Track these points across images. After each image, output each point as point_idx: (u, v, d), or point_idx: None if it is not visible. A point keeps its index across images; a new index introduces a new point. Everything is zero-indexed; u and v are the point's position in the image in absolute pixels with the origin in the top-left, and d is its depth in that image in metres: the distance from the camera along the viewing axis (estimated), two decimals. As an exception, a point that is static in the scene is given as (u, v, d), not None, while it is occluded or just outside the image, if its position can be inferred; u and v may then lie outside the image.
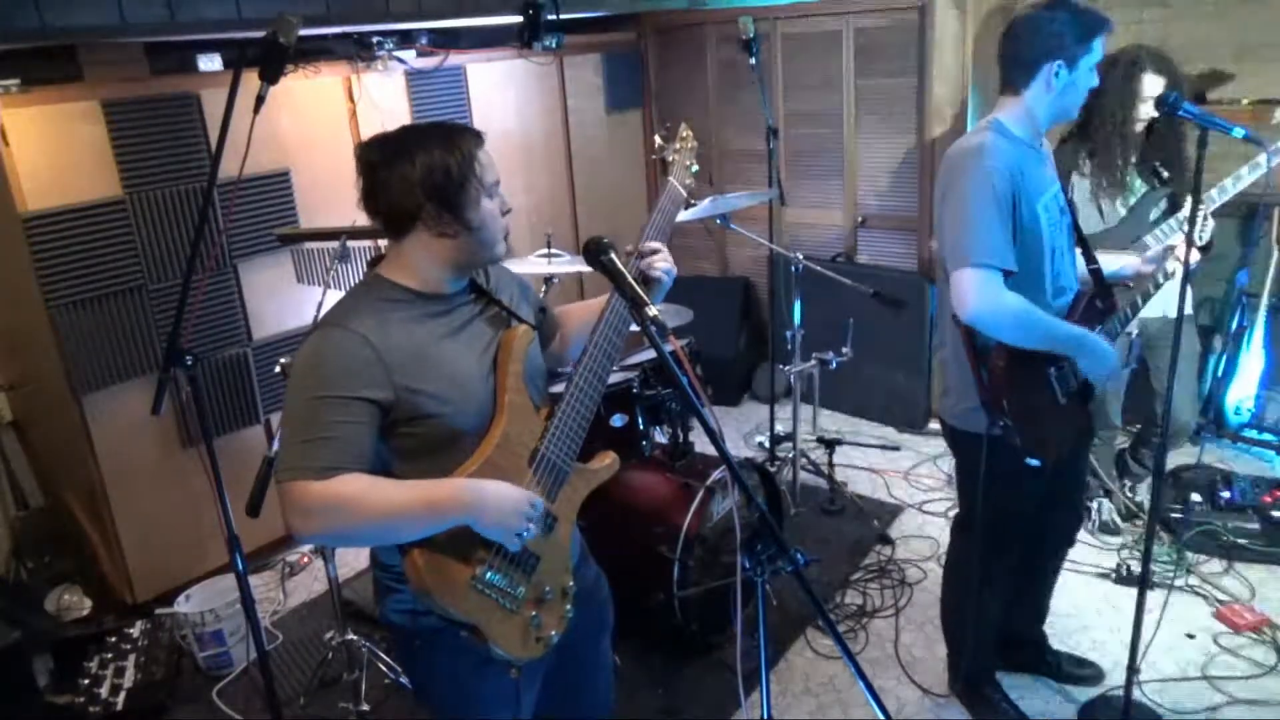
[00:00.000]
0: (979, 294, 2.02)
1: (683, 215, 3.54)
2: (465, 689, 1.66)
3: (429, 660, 1.66)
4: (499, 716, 1.68)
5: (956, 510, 2.62)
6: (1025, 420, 2.16)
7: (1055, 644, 2.84)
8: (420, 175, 1.49)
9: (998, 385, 2.14)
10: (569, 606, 1.68)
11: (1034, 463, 2.18)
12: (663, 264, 1.70)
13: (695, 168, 1.86)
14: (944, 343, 2.35)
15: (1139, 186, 3.02)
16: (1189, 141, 2.91)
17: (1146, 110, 2.87)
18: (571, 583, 1.69)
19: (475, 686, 1.65)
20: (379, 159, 1.52)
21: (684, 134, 1.87)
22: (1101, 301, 2.29)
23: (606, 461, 1.75)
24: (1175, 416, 3.21)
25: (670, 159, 1.83)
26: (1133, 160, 2.98)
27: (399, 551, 1.53)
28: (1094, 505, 3.53)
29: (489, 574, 1.53)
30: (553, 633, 1.65)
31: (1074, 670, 2.78)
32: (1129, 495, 3.56)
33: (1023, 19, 2.13)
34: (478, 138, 1.57)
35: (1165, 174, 3.00)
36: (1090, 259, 2.34)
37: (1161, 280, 2.34)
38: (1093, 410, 2.42)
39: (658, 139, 1.86)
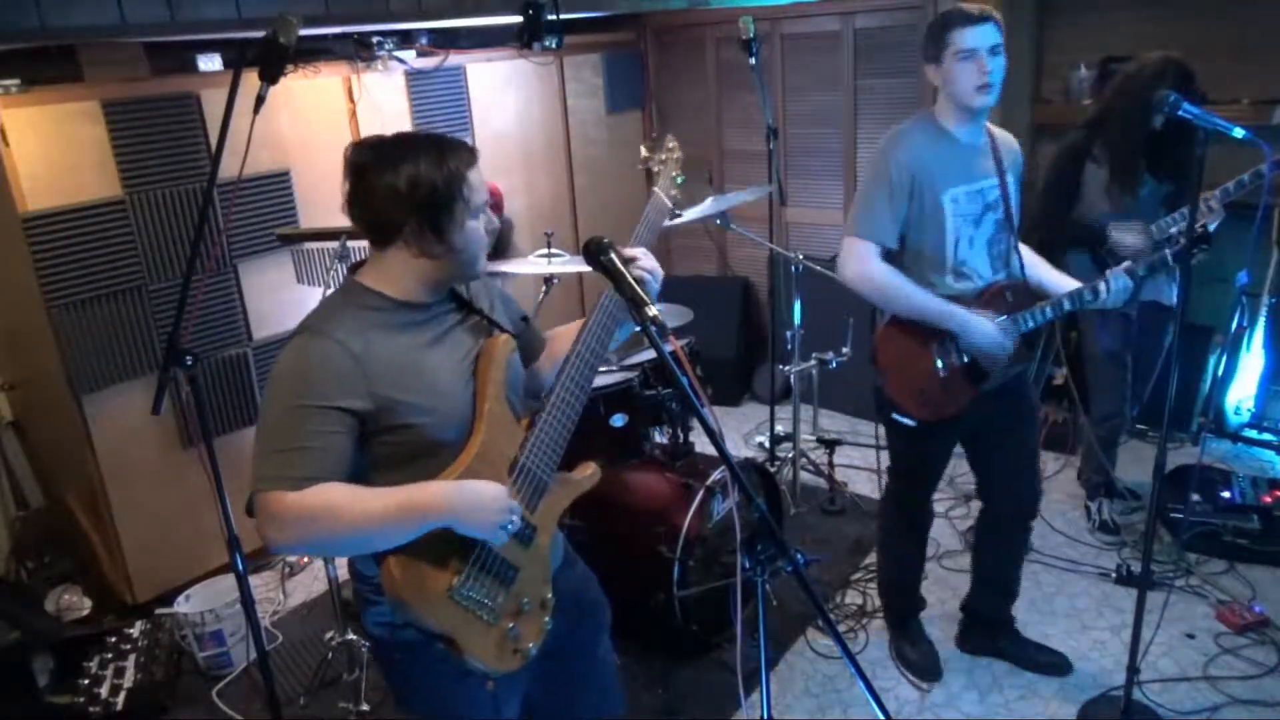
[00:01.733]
0: (850, 260, 2.38)
1: (685, 216, 3.54)
2: (444, 701, 1.65)
3: (408, 672, 1.65)
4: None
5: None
6: (894, 378, 2.49)
7: (1050, 641, 2.86)
8: (406, 189, 1.47)
9: (878, 342, 2.52)
10: (547, 618, 1.67)
11: (902, 420, 2.50)
12: (645, 264, 1.67)
13: (681, 178, 1.86)
14: None
15: (1145, 178, 3.06)
16: (1196, 144, 2.94)
17: (1160, 120, 2.92)
18: (550, 595, 1.68)
19: (454, 699, 1.63)
20: (368, 163, 1.50)
21: (670, 144, 1.87)
22: (1013, 296, 2.44)
23: (588, 472, 1.74)
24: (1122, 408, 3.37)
25: (655, 169, 1.83)
26: (1142, 162, 3.03)
27: (375, 561, 1.51)
28: (1093, 505, 3.53)
29: (466, 585, 1.51)
30: (530, 644, 1.63)
31: (1038, 658, 2.82)
32: (1128, 489, 3.58)
33: None
34: (471, 155, 1.54)
35: (1167, 174, 3.04)
36: (1019, 260, 2.50)
37: (1090, 297, 2.37)
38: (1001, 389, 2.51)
39: (644, 150, 1.87)
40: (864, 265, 2.35)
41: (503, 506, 1.49)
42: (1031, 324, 2.41)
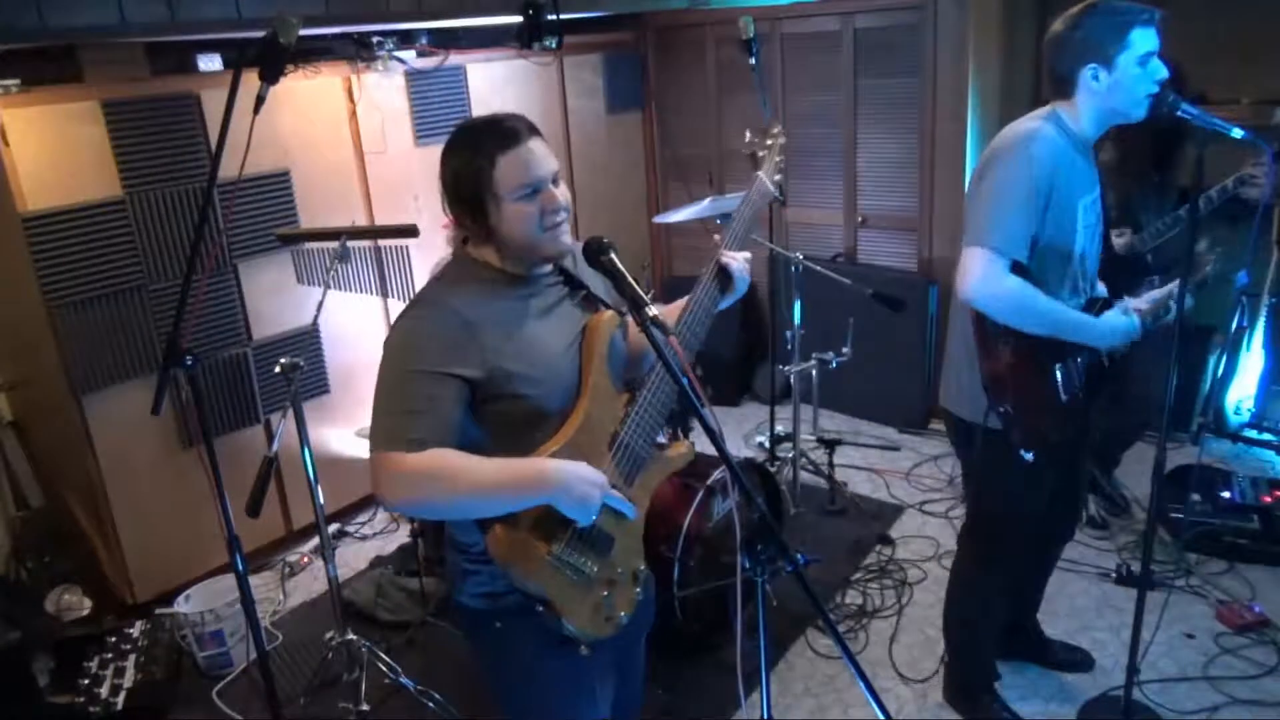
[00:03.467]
0: (981, 274, 2.06)
1: (682, 215, 3.54)
2: (538, 673, 1.70)
3: (505, 643, 1.69)
4: (570, 706, 1.71)
5: (963, 516, 2.62)
6: (1024, 411, 2.19)
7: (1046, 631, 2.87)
8: (448, 182, 1.57)
9: (1003, 373, 2.17)
10: (639, 589, 1.72)
11: (1027, 456, 2.21)
12: (741, 261, 1.73)
13: (783, 164, 1.91)
14: (953, 333, 2.36)
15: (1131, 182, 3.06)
16: (1190, 143, 2.95)
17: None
18: (643, 566, 1.73)
19: (548, 671, 1.68)
20: (443, 157, 1.58)
21: (774, 131, 1.91)
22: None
23: (682, 450, 1.77)
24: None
25: (760, 154, 1.87)
26: (1130, 161, 3.01)
27: (478, 528, 1.57)
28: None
29: (565, 552, 1.56)
30: (623, 614, 1.68)
31: (1064, 656, 2.81)
32: (1114, 488, 3.57)
33: (1052, 35, 2.13)
34: (504, 139, 1.53)
35: (1158, 177, 3.05)
36: (1107, 275, 2.34)
37: (1174, 309, 2.31)
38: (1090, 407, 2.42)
39: (749, 134, 1.91)
40: (994, 281, 2.06)
41: (602, 497, 1.54)
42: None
